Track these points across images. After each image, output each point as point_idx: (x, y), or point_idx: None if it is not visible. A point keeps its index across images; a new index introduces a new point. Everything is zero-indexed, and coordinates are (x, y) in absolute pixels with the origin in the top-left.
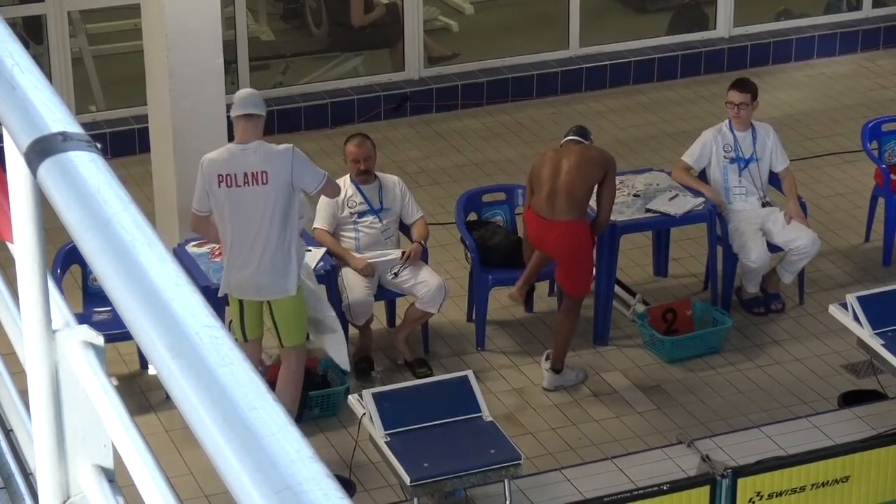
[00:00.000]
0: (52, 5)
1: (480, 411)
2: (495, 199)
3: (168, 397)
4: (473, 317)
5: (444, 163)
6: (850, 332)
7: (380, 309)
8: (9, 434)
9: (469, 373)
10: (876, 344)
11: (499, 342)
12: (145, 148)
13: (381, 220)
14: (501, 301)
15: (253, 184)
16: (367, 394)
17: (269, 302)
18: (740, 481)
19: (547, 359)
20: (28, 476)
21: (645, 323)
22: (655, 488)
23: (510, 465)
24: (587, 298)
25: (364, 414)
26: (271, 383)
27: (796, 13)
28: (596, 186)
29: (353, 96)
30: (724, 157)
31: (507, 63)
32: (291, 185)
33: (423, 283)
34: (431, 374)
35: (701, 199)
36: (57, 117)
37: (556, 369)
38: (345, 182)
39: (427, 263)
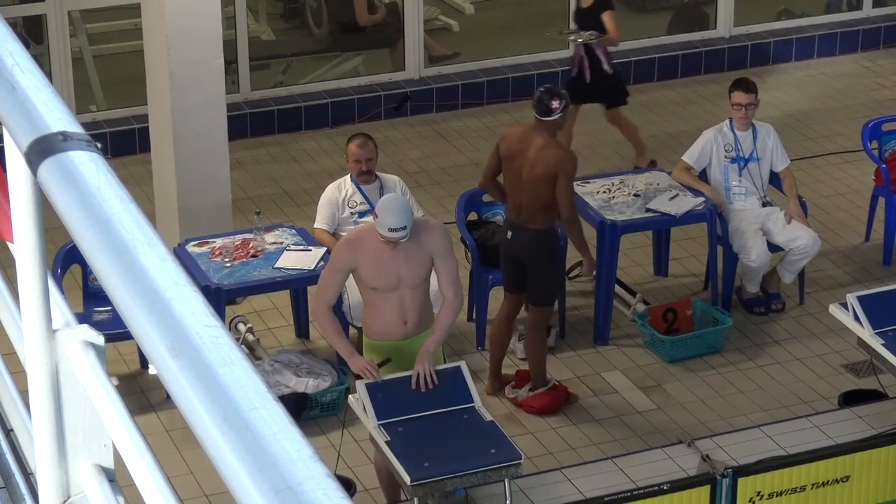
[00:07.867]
0: (52, 5)
1: (473, 401)
2: (496, 199)
3: (168, 397)
4: (474, 317)
5: (445, 162)
6: (851, 332)
7: None
8: (9, 434)
9: (462, 363)
10: (876, 343)
11: None
12: (145, 147)
13: None
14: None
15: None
16: (361, 385)
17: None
18: (740, 481)
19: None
20: (28, 476)
21: (645, 322)
22: (655, 488)
23: (510, 464)
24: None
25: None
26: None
27: (796, 13)
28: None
29: (353, 96)
30: (725, 156)
31: (507, 63)
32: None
33: None
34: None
35: (701, 199)
36: (57, 117)
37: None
38: (345, 182)
39: None
